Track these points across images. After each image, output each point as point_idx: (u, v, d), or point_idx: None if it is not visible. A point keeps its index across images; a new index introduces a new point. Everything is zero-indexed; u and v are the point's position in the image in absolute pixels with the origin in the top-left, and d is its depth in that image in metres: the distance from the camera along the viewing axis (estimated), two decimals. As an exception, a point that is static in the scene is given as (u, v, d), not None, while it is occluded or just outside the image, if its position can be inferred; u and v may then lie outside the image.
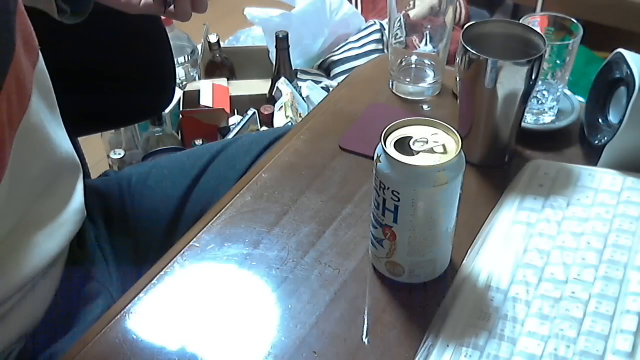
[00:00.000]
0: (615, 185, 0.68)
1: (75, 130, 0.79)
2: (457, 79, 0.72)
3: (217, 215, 0.68)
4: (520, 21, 0.71)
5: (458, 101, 0.73)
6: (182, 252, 0.64)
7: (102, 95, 0.89)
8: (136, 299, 0.60)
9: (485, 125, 0.71)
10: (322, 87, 1.65)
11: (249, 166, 0.83)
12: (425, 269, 0.60)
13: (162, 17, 0.79)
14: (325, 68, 1.75)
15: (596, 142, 0.73)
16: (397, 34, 0.81)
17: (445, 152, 0.54)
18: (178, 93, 1.65)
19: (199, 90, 1.65)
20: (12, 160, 0.57)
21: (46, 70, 0.66)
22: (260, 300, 0.60)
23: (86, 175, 0.98)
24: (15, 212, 0.62)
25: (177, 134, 1.66)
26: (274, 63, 1.68)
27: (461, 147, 0.54)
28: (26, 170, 0.62)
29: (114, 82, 0.90)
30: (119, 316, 0.59)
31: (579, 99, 0.80)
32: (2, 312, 0.62)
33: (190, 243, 0.65)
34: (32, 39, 0.61)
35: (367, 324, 0.58)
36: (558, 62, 0.74)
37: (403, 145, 0.55)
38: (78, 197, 0.71)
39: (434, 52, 0.82)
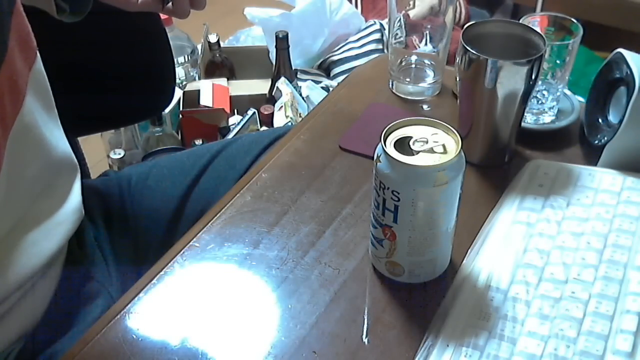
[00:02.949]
0: (615, 185, 0.68)
1: (75, 130, 0.80)
2: (457, 79, 0.72)
3: (217, 215, 0.68)
4: (520, 21, 0.71)
5: (458, 101, 0.73)
6: (182, 252, 0.64)
7: (102, 95, 0.89)
8: (136, 299, 0.60)
9: (485, 125, 0.71)
10: (322, 87, 1.65)
11: (249, 166, 0.83)
12: (425, 269, 0.60)
13: (162, 17, 0.79)
14: (325, 68, 1.75)
15: (596, 142, 0.73)
16: (397, 34, 0.81)
17: (445, 152, 0.54)
18: (178, 93, 1.65)
19: (199, 90, 1.65)
20: (8, 160, 0.57)
21: (44, 72, 0.66)
22: (260, 300, 0.60)
23: (86, 175, 0.98)
24: (13, 212, 0.62)
25: (177, 134, 1.66)
26: (274, 63, 1.68)
27: (461, 147, 0.54)
28: (23, 171, 0.62)
29: (114, 82, 0.90)
30: (119, 316, 0.59)
31: (579, 99, 0.80)
32: (2, 312, 0.62)
33: (190, 243, 0.65)
34: (29, 39, 0.61)
35: (367, 324, 0.58)
36: (558, 62, 0.74)
37: (403, 145, 0.55)
38: (76, 197, 0.71)
39: (434, 52, 0.82)
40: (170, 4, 0.69)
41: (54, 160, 0.68)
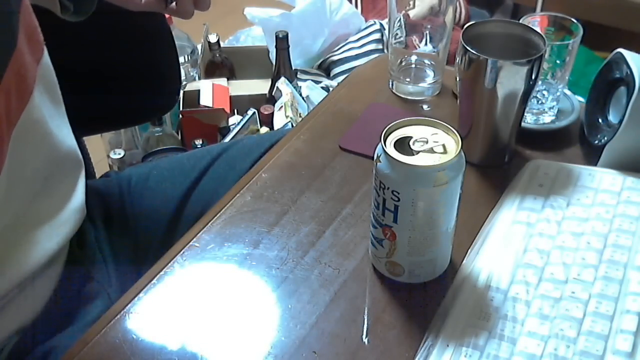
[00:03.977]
0: (615, 185, 0.68)
1: (80, 130, 0.79)
2: (457, 79, 0.72)
3: (217, 215, 0.68)
4: (520, 21, 0.71)
5: (458, 101, 0.73)
6: (182, 252, 0.64)
7: (107, 96, 0.89)
8: (136, 299, 0.60)
9: (485, 125, 0.71)
10: (322, 87, 1.65)
11: (249, 169, 0.83)
12: (425, 269, 0.60)
13: (166, 17, 0.79)
14: (325, 68, 1.75)
15: (596, 142, 0.73)
16: (397, 34, 0.81)
17: (445, 152, 0.54)
18: (178, 93, 1.65)
19: (199, 90, 1.65)
20: (11, 156, 0.57)
21: (51, 66, 0.65)
22: (260, 300, 0.60)
23: (91, 175, 0.98)
24: (15, 209, 0.62)
25: (177, 134, 1.66)
26: (274, 63, 1.68)
27: (461, 147, 0.54)
28: (26, 167, 0.62)
29: (119, 83, 0.90)
30: (119, 316, 0.59)
31: (579, 99, 0.80)
32: None
33: (190, 243, 0.65)
34: (37, 34, 0.61)
35: (367, 324, 0.58)
36: (558, 62, 0.74)
37: (403, 145, 0.55)
38: (79, 196, 0.71)
39: (434, 52, 0.82)
40: (173, 3, 0.69)
41: (58, 156, 0.68)
